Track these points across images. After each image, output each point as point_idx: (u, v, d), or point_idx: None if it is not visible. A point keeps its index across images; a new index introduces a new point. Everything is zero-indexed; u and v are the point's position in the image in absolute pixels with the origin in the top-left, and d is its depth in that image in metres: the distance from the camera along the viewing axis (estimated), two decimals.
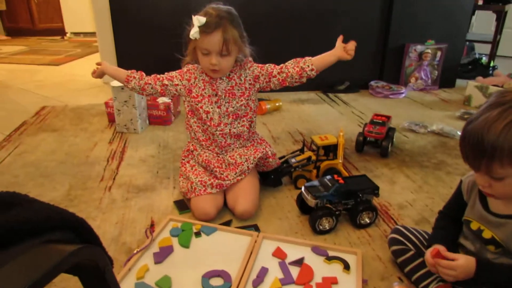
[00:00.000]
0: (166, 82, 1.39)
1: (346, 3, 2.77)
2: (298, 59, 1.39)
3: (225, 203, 1.36)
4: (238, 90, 1.37)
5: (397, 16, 2.81)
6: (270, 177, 1.48)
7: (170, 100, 2.15)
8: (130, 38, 2.66)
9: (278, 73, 1.39)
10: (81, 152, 1.82)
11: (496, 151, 0.74)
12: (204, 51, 1.27)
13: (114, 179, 1.57)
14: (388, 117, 1.86)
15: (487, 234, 0.86)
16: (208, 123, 1.37)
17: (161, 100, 2.15)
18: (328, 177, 1.29)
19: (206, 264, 1.06)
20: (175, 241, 1.16)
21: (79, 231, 0.71)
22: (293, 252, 1.12)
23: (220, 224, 1.27)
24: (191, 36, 1.24)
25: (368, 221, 1.26)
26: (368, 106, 2.56)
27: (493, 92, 2.43)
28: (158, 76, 1.40)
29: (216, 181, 1.33)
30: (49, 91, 2.84)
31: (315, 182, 1.28)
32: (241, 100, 1.37)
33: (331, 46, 1.40)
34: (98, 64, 1.50)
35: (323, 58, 1.37)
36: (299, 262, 1.08)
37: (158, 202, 1.40)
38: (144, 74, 1.42)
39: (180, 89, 1.39)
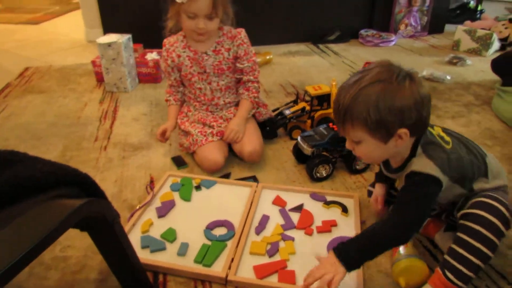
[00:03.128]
0: (173, 81, 1.42)
1: None
2: (241, 93, 1.41)
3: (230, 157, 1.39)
4: (226, 64, 1.35)
5: None
6: (265, 129, 1.48)
7: (159, 57, 2.10)
8: None
9: (242, 87, 1.41)
10: (72, 113, 1.79)
11: (347, 115, 0.79)
12: (191, 15, 1.22)
13: (108, 138, 1.56)
14: None
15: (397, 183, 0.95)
16: (202, 97, 1.38)
17: (150, 56, 2.10)
18: (323, 125, 1.30)
19: (208, 216, 1.09)
20: (176, 196, 1.18)
21: (84, 186, 0.72)
22: (292, 200, 1.15)
23: (219, 177, 1.29)
24: (177, 0, 1.17)
25: (363, 166, 1.29)
26: (359, 55, 2.54)
27: (481, 36, 2.46)
28: (170, 85, 1.44)
29: (216, 129, 1.35)
30: (31, 51, 2.74)
31: (311, 132, 1.30)
32: (230, 74, 1.38)
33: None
34: (162, 135, 1.38)
35: (240, 107, 1.39)
36: (298, 208, 1.12)
37: (155, 159, 1.41)
38: (169, 91, 1.45)
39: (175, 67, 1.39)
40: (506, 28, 2.61)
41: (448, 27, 3.04)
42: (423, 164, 0.81)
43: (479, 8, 3.21)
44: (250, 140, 1.33)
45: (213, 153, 1.29)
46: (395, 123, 0.77)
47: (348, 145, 0.87)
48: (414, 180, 0.82)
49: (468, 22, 2.69)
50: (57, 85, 2.11)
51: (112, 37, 1.91)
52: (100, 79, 2.09)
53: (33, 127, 1.66)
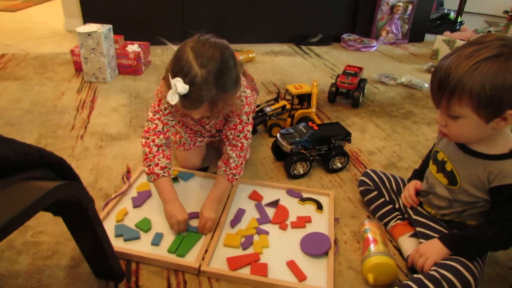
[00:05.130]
0: (166, 123, 1.09)
1: None
2: (234, 163, 1.11)
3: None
4: (224, 118, 1.18)
5: None
6: None
7: (140, 49, 2.08)
8: None
9: (226, 134, 1.14)
10: (48, 101, 1.75)
11: (458, 88, 0.74)
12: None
13: (85, 128, 1.53)
14: (360, 68, 1.89)
15: (448, 166, 0.91)
16: (199, 132, 1.29)
17: (131, 48, 2.07)
18: (303, 124, 1.32)
19: (185, 207, 1.08)
20: (152, 187, 1.17)
21: (59, 170, 0.71)
22: (269, 195, 1.17)
23: (197, 170, 1.29)
24: (168, 100, 0.91)
25: (340, 166, 1.31)
26: (340, 58, 2.58)
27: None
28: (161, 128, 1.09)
29: (206, 138, 1.31)
30: (8, 39, 2.66)
31: (290, 129, 1.31)
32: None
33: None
34: (179, 226, 1.01)
35: (216, 185, 1.10)
36: (274, 204, 1.13)
37: (133, 150, 1.39)
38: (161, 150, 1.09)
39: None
40: None
41: (428, 37, 3.12)
42: None
43: (459, 19, 3.31)
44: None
45: (193, 157, 1.29)
46: (508, 103, 0.73)
47: (439, 120, 0.82)
48: None
49: (447, 33, 2.77)
50: (34, 73, 2.05)
51: (92, 27, 1.88)
52: (78, 68, 2.05)
53: (7, 114, 1.61)
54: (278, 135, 1.30)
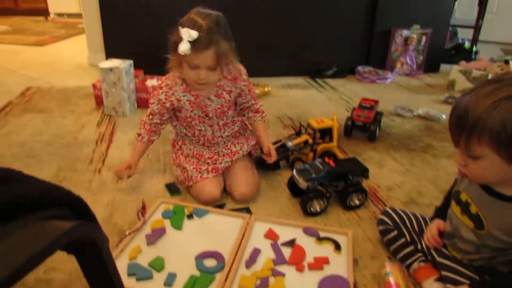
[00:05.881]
0: (159, 120, 1.35)
1: None
2: (252, 116, 1.42)
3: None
4: (227, 106, 1.34)
5: (383, 0, 2.82)
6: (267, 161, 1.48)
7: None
8: (118, 21, 2.59)
9: (249, 111, 1.42)
10: (69, 133, 1.79)
11: (477, 127, 0.72)
12: (193, 66, 1.18)
13: (103, 161, 1.55)
14: (376, 102, 1.89)
15: (473, 208, 0.86)
16: (202, 138, 1.37)
17: (150, 83, 2.13)
18: (319, 160, 1.31)
19: (199, 246, 1.07)
20: (167, 223, 1.17)
21: (75, 208, 0.71)
22: (285, 234, 1.14)
23: (213, 206, 1.28)
24: (180, 52, 1.13)
25: (358, 203, 1.28)
26: (356, 91, 2.58)
27: (476, 76, 2.51)
28: (152, 123, 1.36)
29: (211, 166, 1.34)
30: (34, 72, 2.77)
31: (306, 165, 1.30)
32: (230, 113, 1.37)
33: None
34: (124, 171, 1.33)
35: (260, 132, 1.41)
36: (291, 243, 1.10)
37: (149, 185, 1.40)
38: (147, 129, 1.36)
39: (172, 109, 1.35)
40: (501, 69, 2.66)
41: (444, 67, 3.11)
42: None
43: (474, 49, 3.29)
44: (242, 183, 1.32)
45: (209, 186, 1.29)
46: None
47: (459, 159, 0.80)
48: None
49: (463, 63, 2.76)
50: (57, 106, 2.12)
51: (114, 62, 1.94)
52: (99, 102, 2.10)
53: (29, 146, 1.66)
54: (294, 171, 1.29)
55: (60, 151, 1.62)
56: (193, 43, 1.11)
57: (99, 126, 1.89)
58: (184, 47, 1.12)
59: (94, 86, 2.11)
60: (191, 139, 1.39)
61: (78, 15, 4.56)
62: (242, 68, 1.34)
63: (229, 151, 1.38)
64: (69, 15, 5.38)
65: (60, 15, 5.44)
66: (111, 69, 1.91)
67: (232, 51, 1.22)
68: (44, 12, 5.41)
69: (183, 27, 1.12)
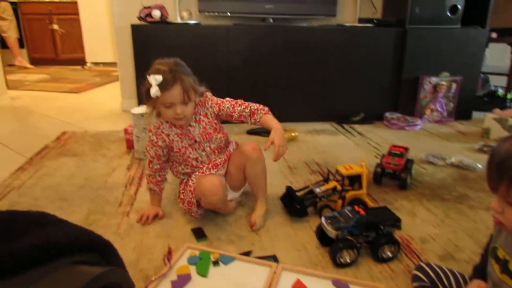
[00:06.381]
0: (159, 164, 1.47)
1: (361, 36, 2.82)
2: (253, 108, 1.44)
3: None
4: (210, 127, 1.45)
5: (410, 48, 2.85)
6: (295, 207, 1.46)
7: None
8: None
9: (238, 116, 1.45)
10: (100, 177, 1.83)
11: (501, 170, 0.71)
12: (168, 105, 1.32)
13: (132, 204, 1.57)
14: (406, 149, 1.85)
15: None
16: (200, 166, 1.46)
17: None
18: (349, 208, 1.27)
19: None
20: (192, 270, 1.15)
21: (105, 254, 0.71)
22: (313, 285, 1.09)
23: (239, 254, 1.25)
24: (152, 96, 1.29)
25: (390, 255, 1.22)
26: (384, 137, 2.56)
27: None
28: (155, 171, 1.48)
29: (212, 164, 1.46)
30: (70, 117, 2.91)
31: (335, 213, 1.27)
32: (217, 135, 1.46)
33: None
34: (150, 219, 1.46)
35: (267, 123, 1.42)
36: None
37: (175, 229, 1.39)
38: (153, 182, 1.49)
39: (166, 147, 1.45)
40: None
41: (476, 114, 3.05)
42: None
43: (508, 96, 3.23)
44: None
45: (209, 176, 1.38)
46: None
47: (495, 206, 0.77)
48: None
49: (497, 110, 2.69)
50: (90, 150, 2.19)
51: (145, 108, 2.02)
52: (130, 146, 2.17)
53: (62, 189, 1.70)
54: (322, 219, 1.26)
55: (90, 194, 1.66)
56: (161, 85, 1.27)
57: (129, 169, 1.93)
58: (154, 90, 1.28)
59: (125, 130, 2.19)
60: (191, 174, 1.47)
61: (113, 64, 4.84)
62: (206, 93, 1.46)
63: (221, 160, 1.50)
64: (104, 64, 5.73)
65: (96, 64, 5.81)
66: (142, 115, 1.97)
67: (196, 83, 1.37)
68: (82, 62, 5.79)
69: (149, 75, 1.29)
